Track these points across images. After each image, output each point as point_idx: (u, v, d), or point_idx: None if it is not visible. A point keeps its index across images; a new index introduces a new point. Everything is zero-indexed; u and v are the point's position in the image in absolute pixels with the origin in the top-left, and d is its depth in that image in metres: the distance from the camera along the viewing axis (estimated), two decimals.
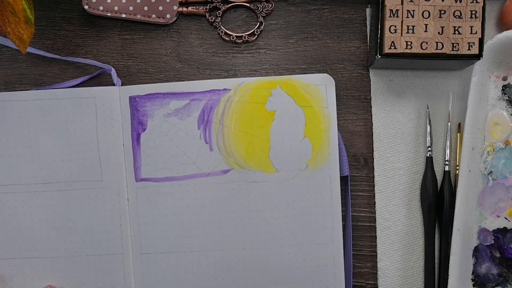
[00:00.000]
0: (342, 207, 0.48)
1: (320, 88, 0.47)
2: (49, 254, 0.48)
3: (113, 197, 0.48)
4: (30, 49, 0.50)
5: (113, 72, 0.48)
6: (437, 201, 0.48)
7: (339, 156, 0.47)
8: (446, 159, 0.48)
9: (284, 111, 0.47)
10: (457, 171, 0.48)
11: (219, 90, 0.47)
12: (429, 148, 0.48)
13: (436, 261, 0.49)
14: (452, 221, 0.47)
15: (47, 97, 0.48)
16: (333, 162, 0.47)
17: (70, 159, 0.48)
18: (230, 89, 0.47)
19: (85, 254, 0.48)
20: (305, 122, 0.47)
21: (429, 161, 0.48)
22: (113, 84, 0.49)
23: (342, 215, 0.48)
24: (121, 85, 0.49)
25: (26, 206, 0.48)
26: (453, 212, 0.47)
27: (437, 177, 0.49)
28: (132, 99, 0.48)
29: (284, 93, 0.47)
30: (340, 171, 0.47)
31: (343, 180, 0.49)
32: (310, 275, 0.47)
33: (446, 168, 0.48)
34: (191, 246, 0.48)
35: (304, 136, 0.47)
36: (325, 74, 0.47)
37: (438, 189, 0.49)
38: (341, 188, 0.48)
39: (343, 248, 0.48)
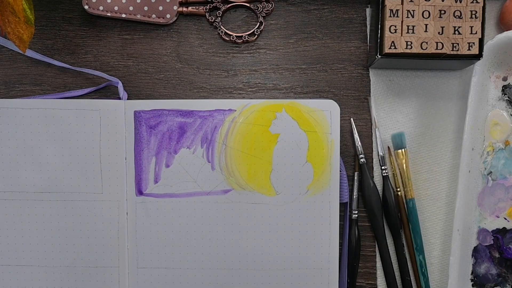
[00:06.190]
0: (340, 232, 0.48)
1: (325, 114, 0.47)
2: (44, 263, 0.48)
3: (112, 210, 0.48)
4: (41, 57, 0.50)
5: (120, 85, 0.48)
6: (382, 205, 0.48)
7: (340, 182, 0.47)
8: (381, 166, 0.49)
9: (288, 135, 0.47)
10: (395, 174, 0.48)
11: (224, 110, 0.47)
12: (361, 156, 0.48)
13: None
14: (401, 224, 0.48)
15: (51, 107, 0.48)
16: (333, 188, 0.47)
17: (71, 170, 0.48)
18: (236, 110, 0.47)
19: (80, 265, 0.48)
20: (308, 147, 0.47)
21: (364, 168, 0.48)
22: (119, 97, 0.49)
23: (340, 241, 0.48)
24: (124, 89, 0.49)
25: (24, 214, 0.48)
26: (400, 215, 0.48)
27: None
28: (137, 114, 0.48)
29: (289, 116, 0.47)
30: (340, 197, 0.47)
31: (342, 206, 0.49)
32: None
33: (384, 173, 0.49)
34: (188, 263, 0.48)
35: (307, 160, 0.47)
36: (331, 101, 0.47)
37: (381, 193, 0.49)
38: (340, 215, 0.48)
39: (339, 274, 0.48)
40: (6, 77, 0.50)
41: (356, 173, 0.48)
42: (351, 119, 0.49)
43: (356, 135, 0.49)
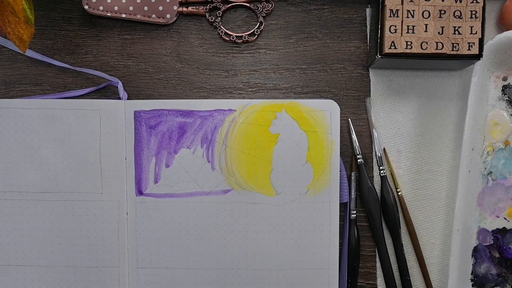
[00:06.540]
0: (340, 232, 0.48)
1: (325, 114, 0.47)
2: (44, 263, 0.48)
3: (112, 210, 0.48)
4: (41, 57, 0.50)
5: (120, 85, 0.48)
6: (380, 205, 0.48)
7: (340, 182, 0.47)
8: (379, 166, 0.49)
9: (288, 135, 0.47)
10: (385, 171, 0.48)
11: (224, 110, 0.47)
12: (359, 156, 0.48)
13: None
14: (399, 223, 0.48)
15: (51, 107, 0.48)
16: (333, 188, 0.47)
17: (71, 170, 0.48)
18: (236, 110, 0.47)
19: (80, 265, 0.48)
20: (308, 147, 0.47)
21: (361, 168, 0.48)
22: (119, 97, 0.49)
23: (340, 241, 0.48)
24: (124, 89, 0.49)
25: (24, 213, 0.48)
26: (398, 215, 0.48)
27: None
28: (137, 114, 0.48)
29: (289, 116, 0.47)
30: (340, 197, 0.47)
31: (342, 206, 0.49)
32: None
33: (382, 173, 0.49)
34: (188, 263, 0.48)
35: (307, 160, 0.47)
36: (331, 101, 0.47)
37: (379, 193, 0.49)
38: (340, 215, 0.48)
39: (339, 274, 0.48)
40: (6, 77, 0.50)
41: (353, 173, 0.48)
42: (349, 119, 0.49)
43: (353, 136, 0.49)
